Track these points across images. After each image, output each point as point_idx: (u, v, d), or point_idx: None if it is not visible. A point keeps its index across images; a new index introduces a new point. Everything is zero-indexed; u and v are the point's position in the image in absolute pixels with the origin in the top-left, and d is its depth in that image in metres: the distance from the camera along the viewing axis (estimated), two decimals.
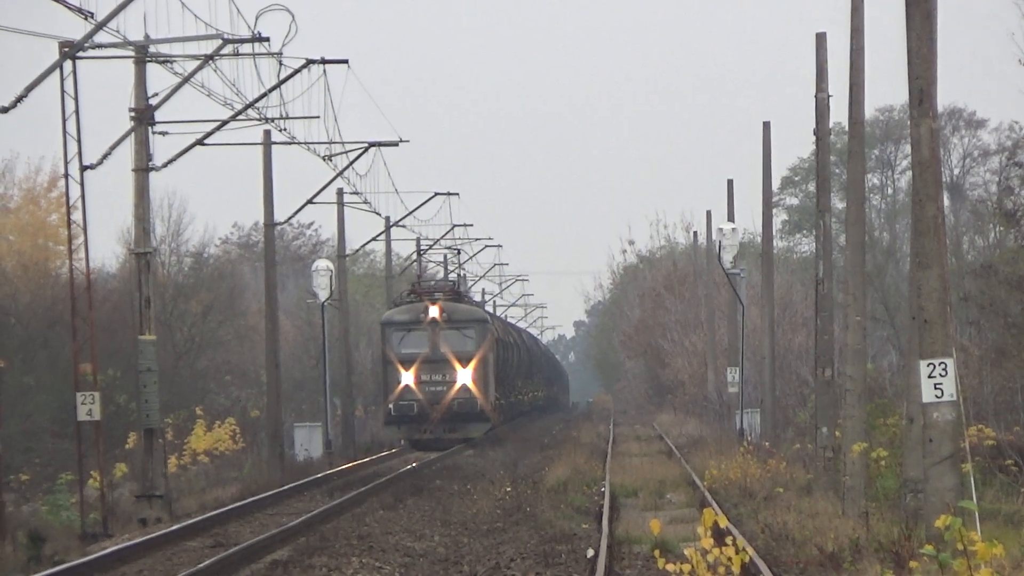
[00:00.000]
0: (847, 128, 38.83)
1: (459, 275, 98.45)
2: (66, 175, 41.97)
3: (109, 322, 53.51)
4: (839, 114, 40.01)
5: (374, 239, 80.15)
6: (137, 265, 44.41)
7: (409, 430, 67.17)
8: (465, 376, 66.72)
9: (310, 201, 62.12)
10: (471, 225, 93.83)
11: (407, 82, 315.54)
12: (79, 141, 41.21)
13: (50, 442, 54.81)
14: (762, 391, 62.36)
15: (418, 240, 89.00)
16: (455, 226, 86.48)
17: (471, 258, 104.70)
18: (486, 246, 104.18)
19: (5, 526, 37.66)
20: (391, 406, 66.87)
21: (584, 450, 63.66)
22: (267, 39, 42.98)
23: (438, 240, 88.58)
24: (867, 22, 36.48)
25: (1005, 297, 43.88)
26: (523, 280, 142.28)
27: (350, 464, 59.36)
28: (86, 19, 38.84)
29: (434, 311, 67.73)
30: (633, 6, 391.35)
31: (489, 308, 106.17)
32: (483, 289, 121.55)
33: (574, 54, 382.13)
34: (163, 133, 44.57)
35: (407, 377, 66.30)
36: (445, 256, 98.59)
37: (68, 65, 40.72)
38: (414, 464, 57.78)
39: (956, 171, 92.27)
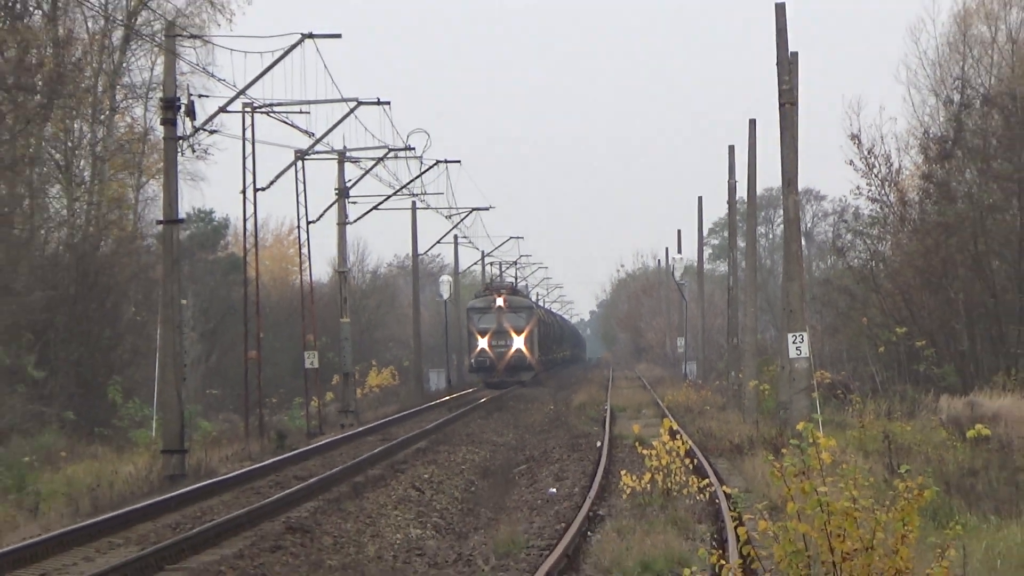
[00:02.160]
0: (746, 199, 61.06)
1: (516, 279, 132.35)
2: (298, 227, 64.08)
3: (323, 311, 75.08)
4: (742, 190, 62.87)
5: (474, 264, 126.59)
6: (339, 279, 70.50)
7: (484, 375, 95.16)
8: (519, 342, 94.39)
9: (438, 242, 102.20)
10: (525, 244, 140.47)
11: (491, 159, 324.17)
12: (305, 207, 62.77)
13: (289, 380, 76.12)
14: (697, 351, 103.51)
15: (492, 260, 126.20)
16: (522, 256, 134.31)
17: (519, 266, 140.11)
18: (539, 268, 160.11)
19: (263, 428, 54.41)
20: (472, 361, 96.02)
21: (595, 386, 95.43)
22: (413, 148, 66.59)
23: (513, 263, 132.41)
24: (758, 139, 57.92)
25: (835, 297, 67.76)
26: (559, 287, 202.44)
27: (458, 394, 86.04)
28: (310, 137, 56.99)
29: (500, 301, 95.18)
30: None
31: (534, 298, 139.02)
32: (532, 285, 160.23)
33: (596, 76, 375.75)
34: (354, 202, 70.60)
35: (483, 342, 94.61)
36: (515, 267, 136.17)
37: (299, 164, 61.61)
38: (487, 399, 79.74)
39: (808, 224, 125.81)
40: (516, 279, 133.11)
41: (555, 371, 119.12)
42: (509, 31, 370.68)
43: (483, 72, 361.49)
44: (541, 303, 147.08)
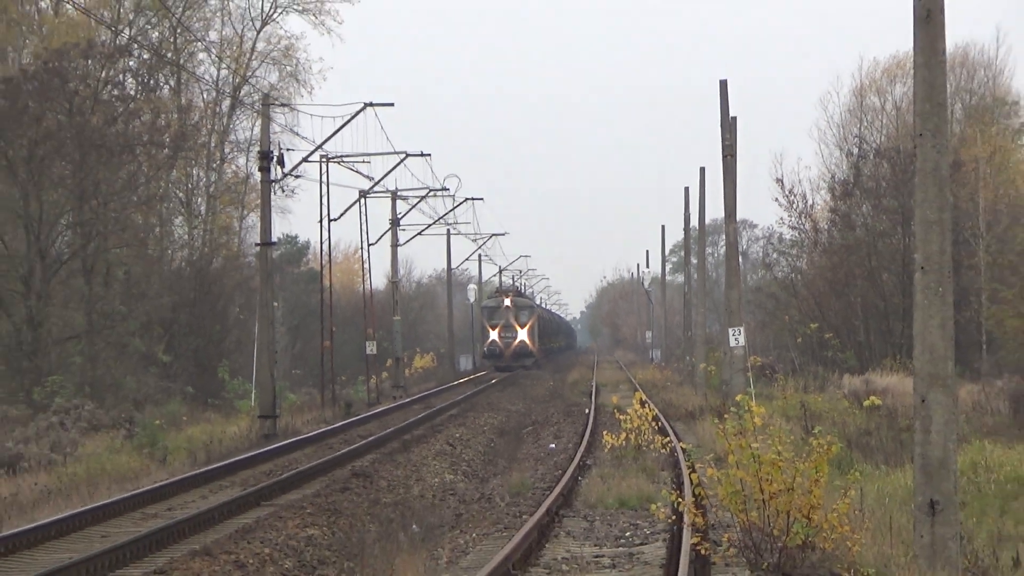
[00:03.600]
0: (698, 227, 63.00)
1: (524, 286, 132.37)
2: (362, 248, 65.36)
3: (379, 311, 73.12)
4: (696, 220, 63.49)
5: (493, 276, 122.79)
6: (392, 287, 73.18)
7: (494, 361, 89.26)
8: (523, 334, 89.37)
9: (466, 260, 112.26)
10: (529, 257, 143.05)
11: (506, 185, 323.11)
12: (367, 233, 63.15)
13: (354, 363, 75.24)
14: (661, 341, 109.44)
15: (507, 271, 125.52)
16: (528, 269, 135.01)
17: (526, 276, 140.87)
18: (542, 279, 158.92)
19: (335, 399, 54.18)
20: (485, 349, 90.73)
21: (584, 368, 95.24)
22: (447, 188, 68.24)
23: (524, 273, 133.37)
24: (707, 181, 60.27)
25: (765, 301, 67.97)
26: (557, 292, 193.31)
27: (480, 374, 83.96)
28: (370, 180, 57.53)
29: (507, 301, 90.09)
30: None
31: (536, 300, 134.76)
32: (537, 290, 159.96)
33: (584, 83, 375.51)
34: (403, 229, 70.74)
35: (494, 335, 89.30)
36: (524, 277, 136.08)
37: (362, 201, 61.52)
38: (499, 379, 76.91)
39: (744, 246, 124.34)
40: (524, 286, 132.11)
41: (552, 357, 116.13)
42: (526, 107, 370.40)
43: (505, 128, 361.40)
44: (542, 303, 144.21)
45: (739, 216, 41.43)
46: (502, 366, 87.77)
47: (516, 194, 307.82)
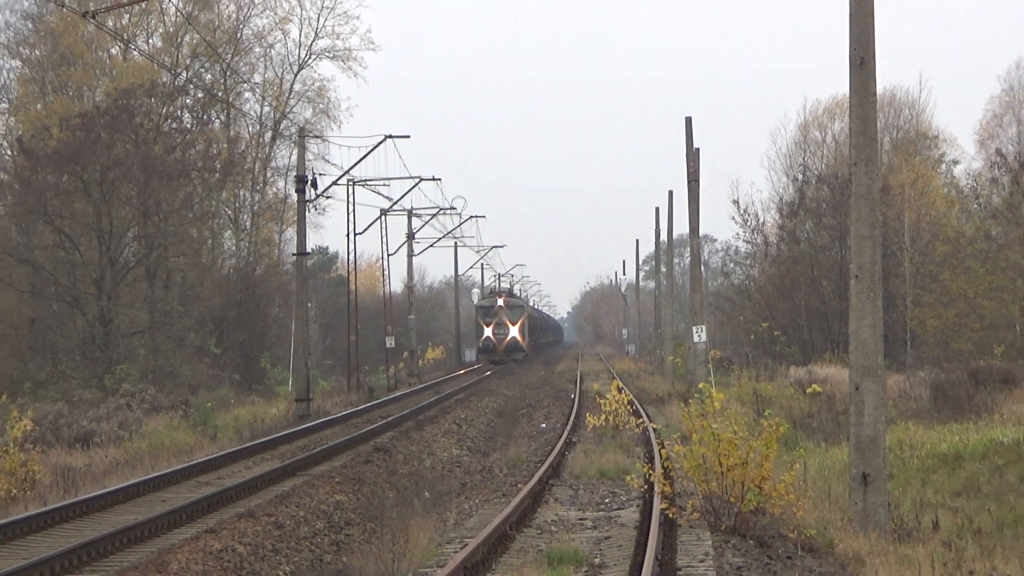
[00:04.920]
0: (667, 241, 64.34)
1: (520, 291, 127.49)
2: (382, 258, 64.87)
3: (397, 311, 73.62)
4: (665, 235, 64.50)
5: (493, 280, 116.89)
6: (407, 291, 73.84)
7: (488, 355, 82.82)
8: (515, 331, 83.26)
9: (470, 268, 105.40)
10: (524, 266, 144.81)
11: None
12: (387, 245, 67.01)
13: (375, 355, 74.31)
14: (636, 337, 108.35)
15: (504, 277, 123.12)
16: (523, 277, 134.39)
17: (521, 282, 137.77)
18: (535, 285, 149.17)
19: (359, 385, 52.97)
20: (480, 344, 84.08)
21: (570, 359, 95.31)
22: (455, 208, 67.97)
23: (520, 279, 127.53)
24: (675, 201, 59.26)
25: (723, 304, 69.00)
26: (548, 295, 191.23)
27: (480, 364, 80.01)
28: (389, 200, 58.98)
29: (500, 301, 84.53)
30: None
31: (530, 301, 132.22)
32: (531, 293, 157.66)
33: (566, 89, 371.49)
34: (417, 242, 69.66)
35: (488, 331, 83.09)
36: (512, 279, 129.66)
37: (383, 218, 60.95)
38: (494, 371, 73.75)
39: (706, 257, 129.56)
40: (521, 291, 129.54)
41: (542, 351, 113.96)
42: (524, 134, 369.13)
43: (508, 153, 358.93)
44: (534, 304, 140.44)
45: (701, 231, 41.48)
46: (495, 359, 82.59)
47: (516, 210, 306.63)
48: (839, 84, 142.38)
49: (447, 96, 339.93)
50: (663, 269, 71.25)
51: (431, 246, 75.18)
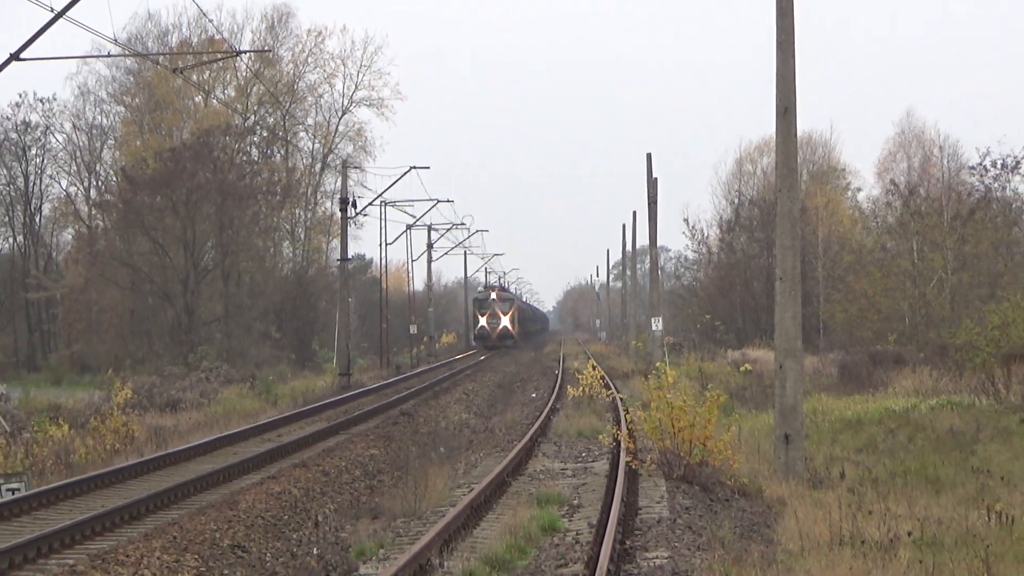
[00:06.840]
0: (631, 250, 63.50)
1: (516, 288, 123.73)
2: (407, 263, 64.74)
3: (418, 305, 70.02)
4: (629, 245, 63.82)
5: (497, 281, 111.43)
6: (427, 290, 73.47)
7: (482, 342, 76.18)
8: (506, 321, 76.20)
9: (477, 271, 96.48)
10: (518, 269, 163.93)
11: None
12: (411, 252, 63.14)
13: (402, 339, 70.49)
14: (607, 325, 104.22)
15: (504, 277, 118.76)
16: (519, 278, 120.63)
17: (517, 281, 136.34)
18: (527, 285, 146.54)
19: (389, 362, 52.14)
20: (476, 332, 77.06)
21: (555, 344, 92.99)
22: (465, 223, 67.30)
23: (512, 280, 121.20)
24: (638, 220, 61.30)
25: (675, 300, 68.91)
26: (537, 292, 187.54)
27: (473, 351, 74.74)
28: (413, 218, 57.87)
29: (493, 295, 77.68)
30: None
31: (522, 295, 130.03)
32: (524, 289, 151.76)
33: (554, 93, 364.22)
34: (435, 250, 68.65)
35: (483, 321, 75.98)
36: (504, 275, 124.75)
37: (408, 232, 60.43)
38: (490, 355, 69.33)
39: (663, 263, 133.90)
40: (517, 289, 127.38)
41: (531, 338, 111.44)
42: (523, 151, 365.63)
43: (510, 171, 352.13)
44: (524, 298, 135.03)
45: (659, 243, 41.52)
46: (489, 345, 78.47)
47: (514, 219, 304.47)
48: (767, 127, 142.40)
49: (448, 110, 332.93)
50: (628, 273, 71.26)
51: (446, 254, 75.55)
